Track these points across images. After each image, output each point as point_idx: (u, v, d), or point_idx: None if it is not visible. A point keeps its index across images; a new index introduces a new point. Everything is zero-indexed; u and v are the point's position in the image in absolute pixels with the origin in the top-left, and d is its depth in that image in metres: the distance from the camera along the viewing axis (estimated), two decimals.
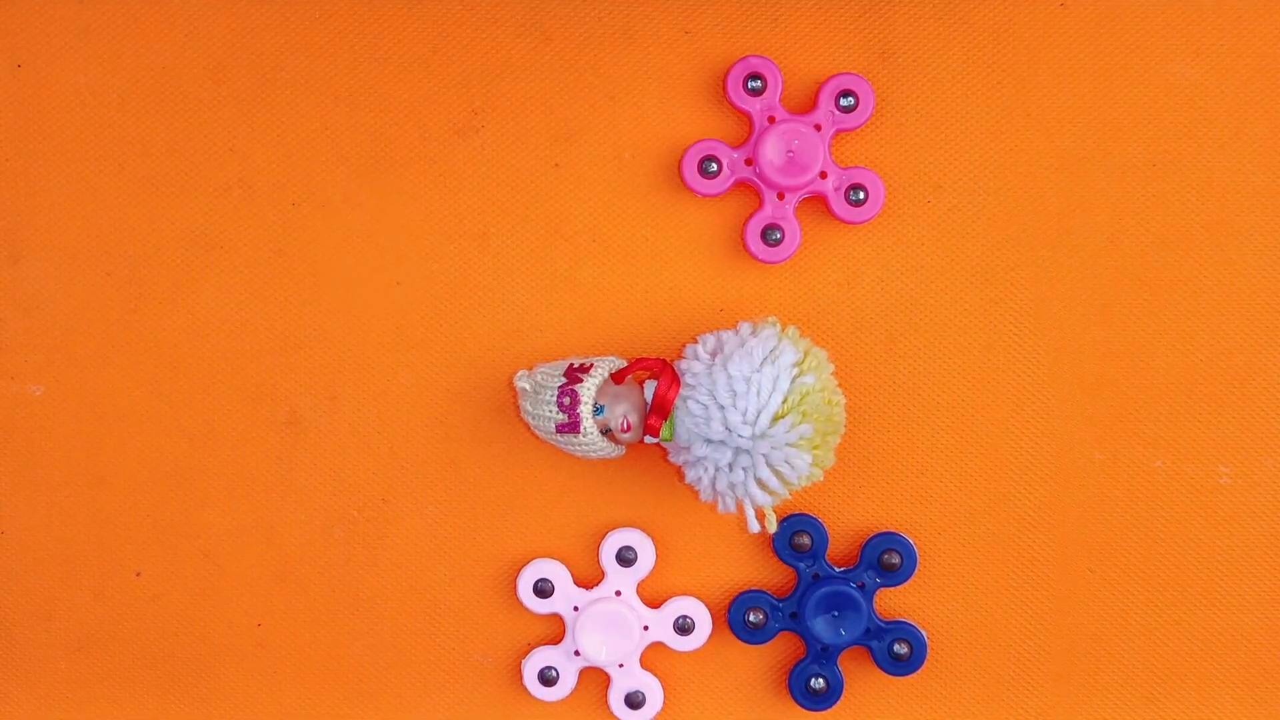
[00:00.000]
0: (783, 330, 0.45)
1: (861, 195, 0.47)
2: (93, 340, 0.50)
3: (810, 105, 0.48)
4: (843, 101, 0.47)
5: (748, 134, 0.48)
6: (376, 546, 0.50)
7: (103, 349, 0.50)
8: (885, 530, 0.48)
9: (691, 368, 0.44)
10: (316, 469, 0.49)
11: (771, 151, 0.47)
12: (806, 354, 0.44)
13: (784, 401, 0.43)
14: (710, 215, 0.49)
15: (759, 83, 0.47)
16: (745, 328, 0.45)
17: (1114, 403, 0.48)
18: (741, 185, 0.48)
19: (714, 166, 0.48)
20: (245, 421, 0.49)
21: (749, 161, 0.48)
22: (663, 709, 0.49)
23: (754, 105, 0.48)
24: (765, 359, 0.43)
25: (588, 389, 0.44)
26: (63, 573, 0.50)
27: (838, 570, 0.48)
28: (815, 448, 0.43)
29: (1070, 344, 0.48)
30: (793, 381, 0.43)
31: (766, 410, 0.42)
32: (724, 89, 0.48)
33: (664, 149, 0.48)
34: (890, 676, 0.48)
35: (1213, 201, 0.48)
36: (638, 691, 0.49)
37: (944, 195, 0.48)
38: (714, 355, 0.44)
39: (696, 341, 0.45)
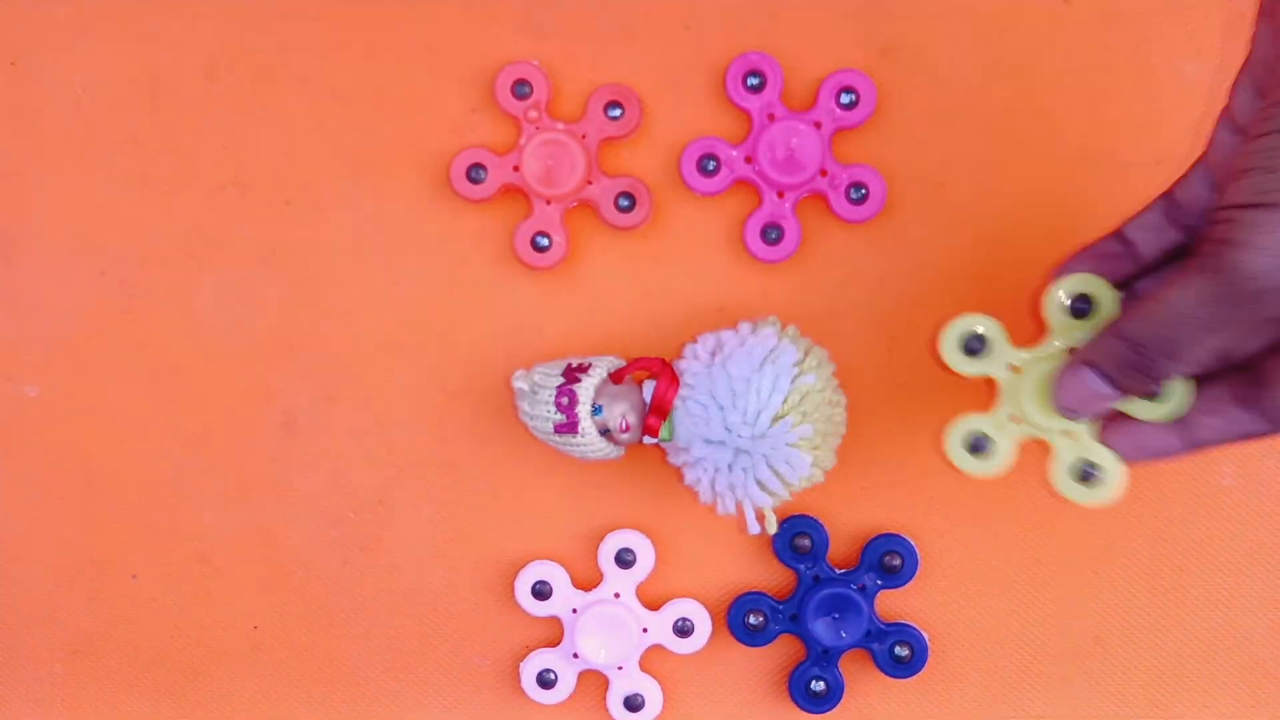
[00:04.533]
0: (783, 330, 0.44)
1: (862, 193, 0.47)
2: (87, 341, 0.49)
3: (810, 102, 0.47)
4: (843, 98, 0.47)
5: (747, 132, 0.48)
6: (373, 549, 0.49)
7: (97, 349, 0.49)
8: (886, 532, 0.48)
9: (691, 368, 0.43)
10: (313, 471, 0.49)
11: (771, 149, 0.47)
12: (807, 353, 0.43)
13: (784, 402, 0.42)
14: (710, 213, 0.48)
15: (759, 80, 0.47)
16: (745, 327, 0.44)
17: None
18: (741, 183, 0.48)
19: (713, 164, 0.47)
20: (240, 423, 0.49)
21: (749, 159, 0.47)
22: (662, 711, 0.49)
23: (754, 103, 0.47)
24: (765, 359, 0.43)
25: (586, 389, 0.44)
26: (58, 576, 0.50)
27: (838, 572, 0.48)
28: (815, 448, 0.43)
29: None
30: (793, 381, 0.42)
31: (766, 410, 0.42)
32: (724, 86, 0.47)
33: (663, 146, 0.48)
34: (891, 679, 0.48)
35: None
36: (637, 694, 0.48)
37: (945, 193, 0.48)
38: (714, 355, 0.44)
39: (696, 341, 0.45)
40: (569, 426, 0.44)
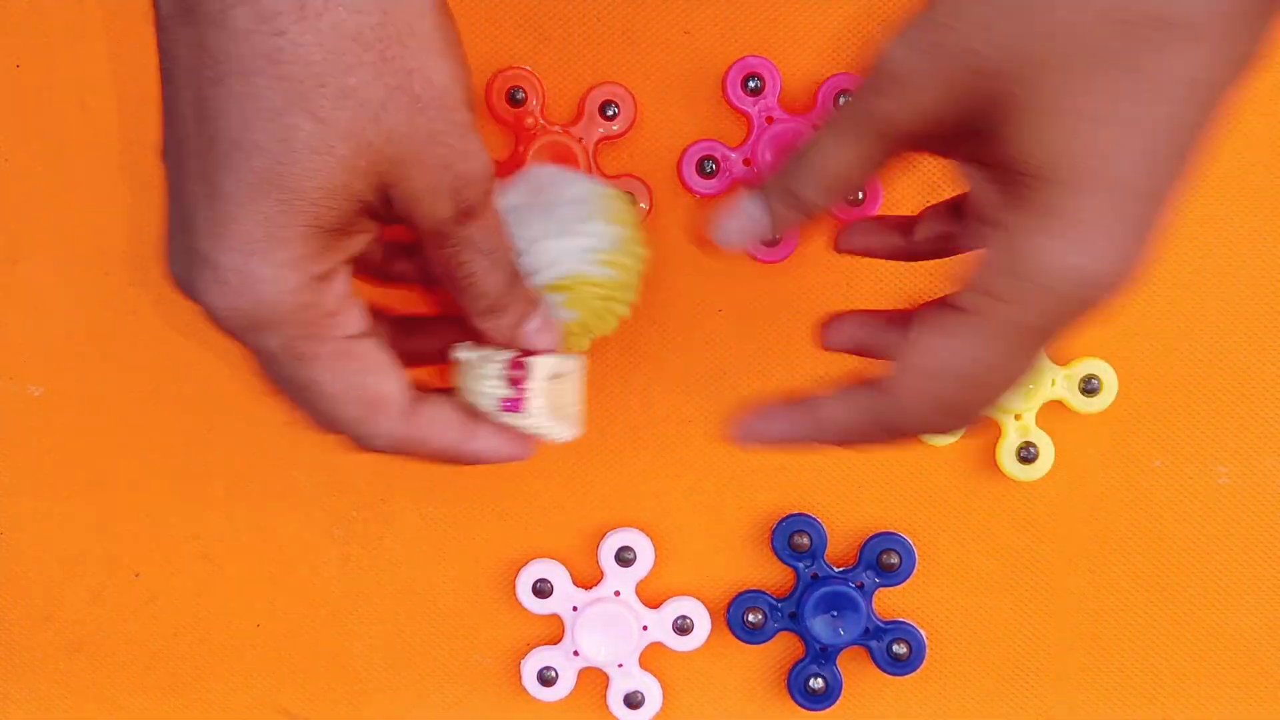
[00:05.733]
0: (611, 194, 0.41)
1: (859, 196, 0.48)
2: (92, 341, 0.50)
3: (809, 106, 0.48)
4: (841, 102, 0.47)
5: (746, 134, 0.48)
6: (375, 547, 0.50)
7: (102, 350, 0.50)
8: (884, 530, 0.48)
9: (510, 200, 0.40)
10: (315, 469, 0.49)
11: (770, 152, 0.47)
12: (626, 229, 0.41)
13: (559, 282, 0.39)
14: (708, 215, 0.49)
15: (758, 83, 0.47)
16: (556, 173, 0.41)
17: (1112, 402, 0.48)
18: (740, 185, 0.48)
19: (712, 166, 0.48)
20: (244, 421, 0.49)
21: (748, 162, 0.48)
22: (662, 709, 0.49)
23: (753, 106, 0.48)
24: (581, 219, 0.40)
25: (543, 364, 0.38)
26: (62, 574, 0.50)
27: (836, 570, 0.48)
28: (573, 335, 0.40)
29: (1067, 342, 0.48)
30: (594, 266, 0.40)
31: (539, 277, 0.39)
32: (723, 89, 0.48)
33: (664, 149, 0.48)
34: (889, 676, 0.48)
35: (1210, 200, 0.48)
36: (637, 691, 0.49)
37: (942, 195, 0.48)
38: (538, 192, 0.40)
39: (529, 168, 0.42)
40: (513, 405, 0.38)
